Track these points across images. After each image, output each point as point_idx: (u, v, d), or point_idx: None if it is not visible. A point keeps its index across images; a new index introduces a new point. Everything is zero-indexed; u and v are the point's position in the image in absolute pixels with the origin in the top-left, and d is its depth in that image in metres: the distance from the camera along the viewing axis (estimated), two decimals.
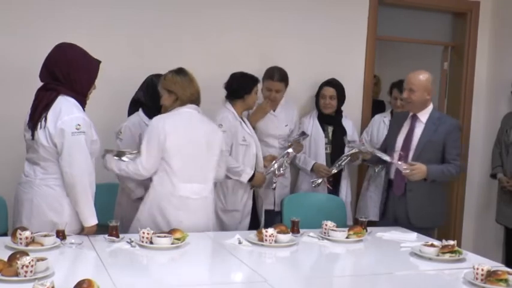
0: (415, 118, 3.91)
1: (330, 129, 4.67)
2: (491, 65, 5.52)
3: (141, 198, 3.55)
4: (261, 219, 4.25)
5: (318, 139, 4.63)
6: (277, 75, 4.44)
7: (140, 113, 3.79)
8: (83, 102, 3.16)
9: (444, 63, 5.78)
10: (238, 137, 4.03)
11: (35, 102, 3.12)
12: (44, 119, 3.04)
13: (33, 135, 3.08)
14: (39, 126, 3.05)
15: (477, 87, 5.53)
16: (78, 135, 3.03)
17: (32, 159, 3.16)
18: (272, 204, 4.47)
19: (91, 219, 3.11)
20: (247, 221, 4.13)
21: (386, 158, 3.83)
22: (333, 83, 4.67)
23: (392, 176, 3.94)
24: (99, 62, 3.22)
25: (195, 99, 3.47)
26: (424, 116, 3.89)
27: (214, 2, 4.65)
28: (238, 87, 4.05)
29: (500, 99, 5.37)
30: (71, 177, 3.04)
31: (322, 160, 4.56)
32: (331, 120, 4.69)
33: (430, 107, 3.92)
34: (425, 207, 3.84)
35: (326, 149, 4.63)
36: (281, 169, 4.22)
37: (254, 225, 4.13)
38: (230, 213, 4.07)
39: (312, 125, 4.65)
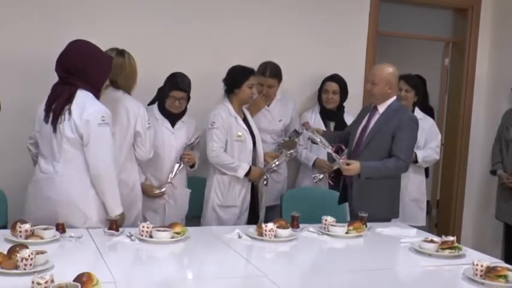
0: (374, 109, 3.89)
1: (332, 124, 4.66)
2: (492, 61, 5.51)
3: None
4: (260, 214, 4.22)
5: None
6: (269, 71, 4.44)
7: (154, 107, 3.99)
8: (97, 97, 3.21)
9: (445, 59, 5.79)
10: (233, 133, 4.02)
11: (52, 96, 3.17)
12: (67, 111, 3.09)
13: (55, 128, 3.11)
14: (62, 118, 3.09)
15: (478, 83, 5.53)
16: (104, 127, 3.12)
17: (49, 155, 3.18)
18: (271, 199, 4.46)
19: (117, 209, 3.20)
20: (245, 216, 4.12)
21: (327, 149, 3.83)
22: (336, 78, 4.67)
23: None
24: (112, 58, 3.33)
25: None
26: (382, 107, 3.85)
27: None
28: (230, 80, 4.05)
29: (501, 96, 5.37)
30: (96, 168, 3.11)
31: (323, 155, 4.55)
32: (333, 116, 4.69)
33: (391, 100, 3.85)
34: (366, 197, 3.79)
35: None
36: (273, 165, 4.22)
37: (253, 221, 4.10)
38: (228, 208, 4.06)
39: (314, 120, 4.63)
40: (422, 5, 5.42)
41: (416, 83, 4.77)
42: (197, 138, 4.03)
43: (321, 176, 4.34)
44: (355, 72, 5.02)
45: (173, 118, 3.95)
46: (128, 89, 3.65)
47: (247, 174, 4.03)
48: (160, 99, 3.96)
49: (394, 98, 3.88)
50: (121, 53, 3.62)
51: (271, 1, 4.79)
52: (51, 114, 3.13)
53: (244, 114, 4.16)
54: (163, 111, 3.93)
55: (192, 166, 4.07)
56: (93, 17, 4.32)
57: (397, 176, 3.87)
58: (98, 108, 3.12)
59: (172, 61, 4.25)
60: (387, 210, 3.85)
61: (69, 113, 3.09)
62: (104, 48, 3.35)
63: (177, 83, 3.89)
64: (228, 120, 4.00)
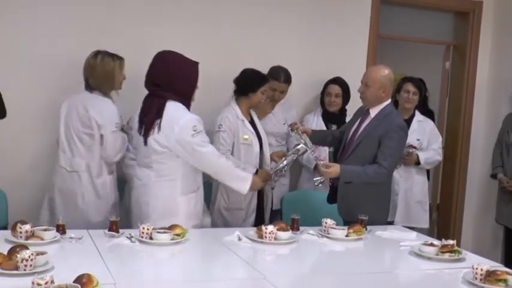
0: (367, 113, 3.81)
1: (334, 127, 4.64)
2: (493, 65, 5.51)
3: None
4: (266, 217, 4.21)
5: None
6: (283, 77, 4.46)
7: None
8: (188, 105, 3.33)
9: (446, 63, 5.79)
10: (239, 136, 4.01)
11: (144, 109, 3.31)
12: (157, 126, 3.24)
13: (145, 141, 3.28)
14: (151, 132, 3.26)
15: (478, 87, 5.53)
16: (197, 136, 3.27)
17: (144, 163, 3.37)
18: (278, 203, 4.44)
19: (243, 188, 3.51)
20: (251, 219, 4.08)
21: (309, 150, 3.79)
22: (339, 81, 4.67)
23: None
24: (197, 63, 3.38)
25: None
26: (374, 111, 3.75)
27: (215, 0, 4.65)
28: (245, 83, 4.03)
29: (502, 100, 5.37)
30: (208, 170, 3.43)
31: (325, 156, 4.55)
32: (335, 119, 4.69)
33: (384, 104, 3.75)
34: (351, 201, 3.74)
35: (329, 147, 4.62)
36: (284, 169, 4.20)
37: (259, 223, 4.07)
38: (233, 211, 4.05)
39: (316, 123, 4.64)
40: (423, 8, 5.43)
41: (421, 86, 4.79)
42: None
43: (322, 179, 4.29)
44: (356, 75, 4.95)
45: None
46: (101, 90, 3.69)
47: None
48: None
49: (388, 101, 3.76)
50: (96, 54, 3.69)
51: (271, 5, 4.79)
52: (143, 127, 3.31)
53: (251, 116, 4.15)
54: None
55: None
56: (104, 21, 4.35)
57: (378, 182, 3.70)
58: (187, 119, 3.26)
59: None
60: (373, 214, 3.62)
61: (159, 128, 3.24)
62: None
63: None
64: (235, 123, 3.99)
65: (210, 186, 4.13)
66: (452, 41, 5.67)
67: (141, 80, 3.40)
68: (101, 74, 3.67)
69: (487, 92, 5.54)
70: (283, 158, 4.10)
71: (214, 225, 4.01)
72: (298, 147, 4.10)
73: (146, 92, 3.41)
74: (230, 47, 4.65)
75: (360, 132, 3.76)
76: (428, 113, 5.11)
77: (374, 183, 3.69)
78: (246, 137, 4.02)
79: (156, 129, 3.24)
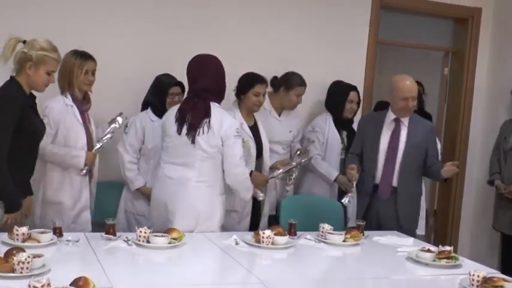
0: (398, 122, 3.90)
1: (344, 134, 4.65)
2: (492, 71, 5.52)
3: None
4: (261, 222, 4.15)
5: (334, 144, 4.60)
6: (304, 82, 4.53)
7: (149, 110, 4.02)
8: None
9: (444, 69, 5.79)
10: None
11: (186, 110, 3.36)
12: (206, 124, 3.32)
13: (193, 140, 3.33)
14: (201, 131, 3.32)
15: (477, 93, 5.54)
16: (238, 138, 3.42)
17: (184, 163, 3.38)
18: (273, 209, 4.42)
19: (247, 197, 3.71)
20: (246, 222, 4.07)
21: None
22: (357, 89, 4.72)
23: (378, 180, 3.92)
24: (221, 63, 3.50)
25: None
26: (406, 119, 3.90)
27: (215, 5, 4.66)
28: (237, 87, 4.06)
29: (500, 106, 5.38)
30: (236, 176, 3.46)
31: (336, 166, 4.56)
32: (346, 125, 4.69)
33: None
34: (411, 209, 3.90)
35: (341, 154, 4.61)
36: (292, 178, 4.27)
37: (255, 228, 4.02)
38: (228, 213, 4.00)
39: (328, 129, 4.61)
40: (423, 14, 5.44)
41: (419, 91, 4.78)
42: None
43: (351, 194, 4.24)
44: (355, 80, 5.01)
45: None
46: (62, 89, 3.66)
47: None
48: (157, 101, 3.99)
49: None
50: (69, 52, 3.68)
51: (271, 11, 4.80)
52: (185, 127, 3.35)
53: (255, 121, 4.15)
54: (158, 113, 3.92)
55: None
56: (105, 19, 4.37)
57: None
58: (232, 121, 3.45)
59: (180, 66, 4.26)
60: (416, 220, 4.02)
61: (209, 127, 3.32)
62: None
63: (173, 78, 4.04)
64: None
65: None
66: (451, 47, 5.68)
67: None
68: (61, 72, 3.61)
69: (485, 99, 5.55)
70: (284, 168, 4.15)
71: None
72: (302, 160, 4.18)
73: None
74: (230, 52, 4.63)
75: (404, 142, 3.88)
76: (425, 116, 5.12)
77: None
78: (243, 140, 4.00)
79: (205, 128, 3.32)
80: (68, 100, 3.63)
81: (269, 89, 4.36)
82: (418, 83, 4.97)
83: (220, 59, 3.45)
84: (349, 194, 4.07)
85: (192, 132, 3.33)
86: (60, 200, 3.56)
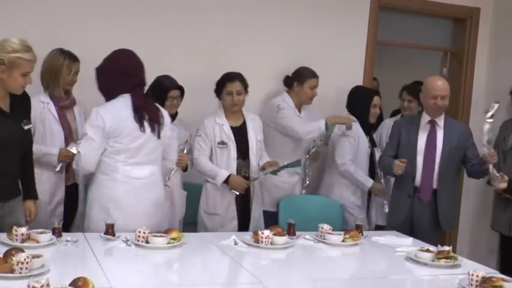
0: (433, 124, 3.96)
1: (367, 138, 4.66)
2: (491, 71, 5.52)
3: None
4: (250, 224, 4.11)
5: (363, 149, 4.60)
6: (315, 73, 4.57)
7: None
8: None
9: (443, 69, 5.79)
10: (216, 140, 4.05)
11: (140, 106, 3.25)
12: (161, 117, 3.35)
13: (159, 134, 3.31)
14: (161, 123, 3.32)
15: (476, 93, 5.54)
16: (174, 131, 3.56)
17: (149, 161, 3.32)
18: (268, 205, 4.43)
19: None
20: (232, 225, 4.03)
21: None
22: (379, 93, 4.75)
23: (418, 183, 3.96)
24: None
25: None
26: (441, 120, 3.97)
27: (212, 7, 4.67)
28: (214, 89, 4.11)
29: (499, 106, 5.36)
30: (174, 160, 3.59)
31: (366, 172, 4.58)
32: (369, 129, 4.72)
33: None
34: (450, 210, 3.97)
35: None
36: (307, 179, 4.46)
37: (244, 229, 4.02)
38: (211, 216, 4.08)
39: (359, 135, 4.57)
40: (421, 14, 5.44)
41: (419, 92, 4.78)
42: (186, 141, 4.04)
43: (386, 201, 4.38)
44: (354, 81, 5.02)
45: None
46: (46, 86, 3.72)
47: (226, 182, 4.00)
48: (157, 96, 3.93)
49: None
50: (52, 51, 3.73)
51: (269, 12, 4.80)
52: (147, 123, 3.25)
53: (244, 121, 4.14)
54: None
55: (185, 169, 4.08)
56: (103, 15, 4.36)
57: None
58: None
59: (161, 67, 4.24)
60: (451, 219, 4.06)
61: (163, 118, 3.36)
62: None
63: (173, 82, 4.00)
64: (212, 128, 4.05)
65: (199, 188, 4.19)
66: (449, 47, 5.68)
67: None
68: (45, 69, 3.66)
69: (484, 99, 5.54)
70: (270, 168, 4.06)
71: (198, 228, 4.08)
72: (294, 161, 4.13)
73: None
74: (226, 53, 4.65)
75: (442, 144, 3.93)
76: None
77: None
78: (221, 140, 4.04)
79: (161, 120, 3.33)
80: (45, 98, 3.68)
81: (285, 88, 4.52)
82: (418, 83, 4.97)
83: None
84: (385, 202, 4.29)
85: (157, 127, 3.29)
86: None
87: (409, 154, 3.95)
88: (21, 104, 3.11)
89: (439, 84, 3.94)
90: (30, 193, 3.24)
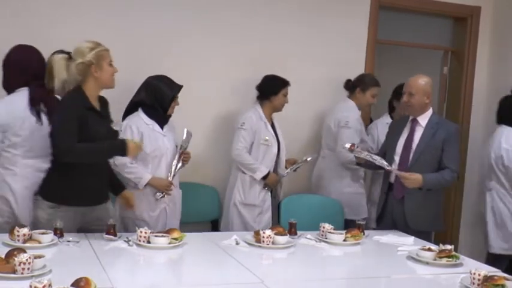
0: (415, 122, 3.92)
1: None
2: (491, 70, 5.52)
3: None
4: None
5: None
6: (378, 82, 4.68)
7: (140, 112, 3.81)
8: None
9: (444, 68, 5.79)
10: (260, 137, 4.24)
11: (36, 100, 3.24)
12: None
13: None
14: None
15: (477, 92, 5.54)
16: None
17: (49, 152, 3.21)
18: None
19: None
20: (267, 216, 4.29)
21: (387, 167, 3.78)
22: None
23: (392, 179, 3.94)
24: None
25: None
26: (423, 120, 3.90)
27: (219, 7, 4.67)
28: (266, 88, 4.30)
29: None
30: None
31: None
32: None
33: (430, 111, 3.93)
34: (422, 211, 3.85)
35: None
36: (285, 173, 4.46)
37: (278, 222, 4.27)
38: (248, 207, 4.26)
39: (383, 132, 4.62)
40: (422, 13, 5.43)
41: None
42: (186, 138, 4.00)
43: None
44: None
45: (161, 122, 3.87)
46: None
47: (265, 178, 4.23)
48: (160, 104, 3.90)
49: (431, 110, 3.94)
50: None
51: (270, 12, 4.80)
52: (44, 116, 3.26)
53: (272, 121, 4.38)
54: (152, 116, 3.82)
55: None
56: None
57: (450, 186, 4.06)
58: None
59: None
60: (433, 222, 3.95)
61: None
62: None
63: (173, 87, 3.90)
64: (257, 124, 4.26)
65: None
66: (450, 47, 5.68)
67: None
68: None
69: (485, 98, 5.54)
70: (294, 165, 4.41)
71: (230, 219, 4.25)
72: (308, 158, 4.44)
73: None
74: (232, 53, 4.65)
75: (417, 142, 3.87)
76: None
77: (446, 187, 4.06)
78: (266, 138, 4.26)
79: None
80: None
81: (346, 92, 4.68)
82: None
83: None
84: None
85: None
86: None
87: (390, 151, 3.97)
88: (105, 105, 3.30)
89: (408, 81, 3.95)
90: (122, 186, 3.52)
